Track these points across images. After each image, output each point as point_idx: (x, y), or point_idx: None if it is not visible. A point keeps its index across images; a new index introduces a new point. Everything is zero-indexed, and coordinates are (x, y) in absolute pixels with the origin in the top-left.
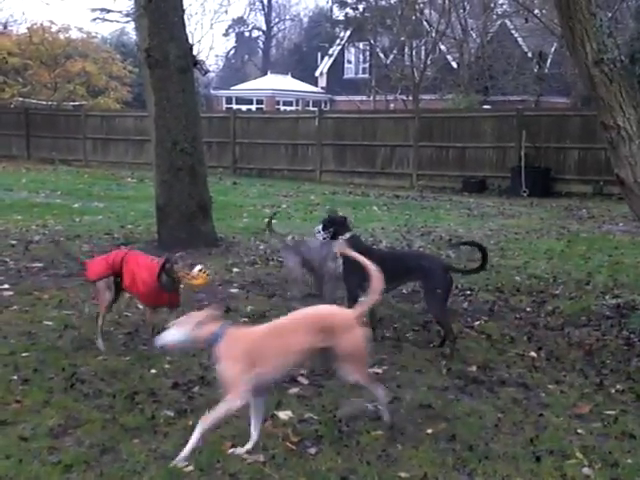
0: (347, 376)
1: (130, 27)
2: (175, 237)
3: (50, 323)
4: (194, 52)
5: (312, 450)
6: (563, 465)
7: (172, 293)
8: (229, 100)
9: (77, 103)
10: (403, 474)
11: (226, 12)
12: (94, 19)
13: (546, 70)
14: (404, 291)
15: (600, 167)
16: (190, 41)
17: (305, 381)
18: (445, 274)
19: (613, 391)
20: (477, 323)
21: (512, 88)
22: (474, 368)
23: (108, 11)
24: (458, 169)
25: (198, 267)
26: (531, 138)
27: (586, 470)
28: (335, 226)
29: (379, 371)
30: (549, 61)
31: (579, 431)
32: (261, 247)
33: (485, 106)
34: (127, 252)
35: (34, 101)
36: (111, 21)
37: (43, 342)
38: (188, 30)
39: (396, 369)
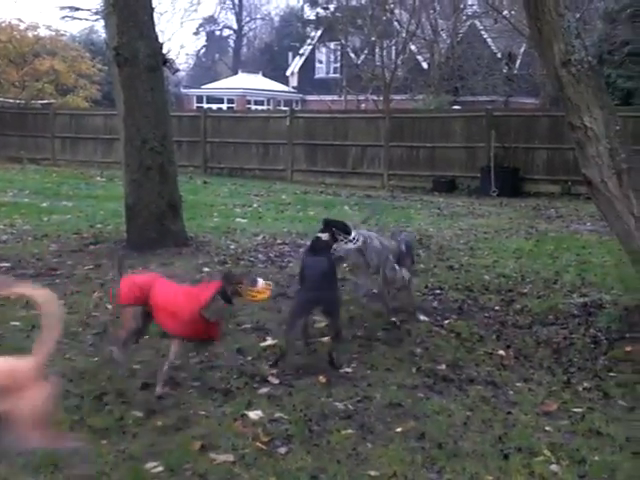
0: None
1: (99, 25)
2: (145, 236)
3: (17, 323)
4: (164, 50)
5: (282, 450)
6: (531, 462)
7: (213, 323)
8: (200, 99)
9: (46, 101)
10: (373, 472)
11: (196, 10)
12: (63, 17)
13: (515, 71)
14: (374, 290)
15: (568, 167)
16: (160, 39)
17: (275, 381)
18: None
19: (580, 389)
20: (447, 322)
21: (482, 89)
22: (443, 366)
23: (77, 9)
24: (428, 169)
25: (261, 281)
26: (500, 138)
27: (554, 467)
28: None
29: (349, 370)
30: (518, 62)
31: (547, 429)
32: (232, 247)
33: (455, 106)
34: (157, 277)
35: (1, 99)
36: (80, 19)
37: (10, 343)
38: (158, 28)
39: (366, 368)
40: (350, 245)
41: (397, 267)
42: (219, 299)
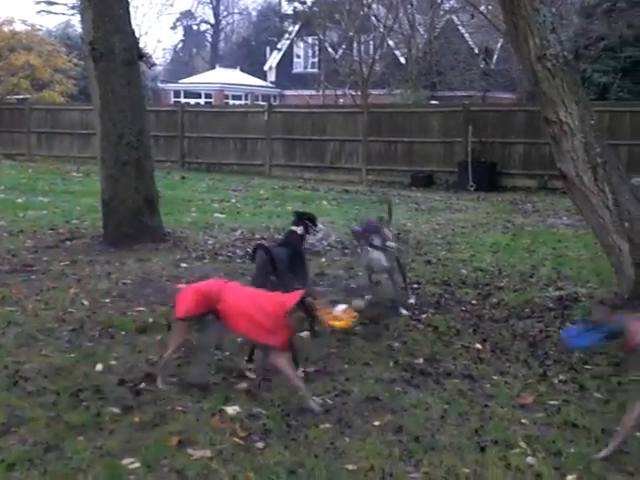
0: None
1: (76, 20)
2: (122, 232)
3: None
4: (140, 45)
5: (260, 444)
6: (507, 455)
7: (292, 335)
8: (177, 94)
9: (21, 96)
10: (350, 466)
11: (172, 5)
12: (39, 11)
13: (492, 66)
14: (352, 285)
15: (545, 162)
16: (136, 34)
17: (253, 376)
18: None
19: (556, 381)
20: (424, 316)
21: (459, 84)
22: (421, 360)
23: (53, 3)
24: (406, 164)
25: (342, 306)
26: (477, 133)
27: (530, 459)
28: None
29: (326, 365)
30: (495, 57)
31: (523, 421)
32: (210, 242)
33: (433, 101)
34: (224, 284)
35: None
36: (56, 13)
37: None
38: (134, 23)
39: (344, 362)
40: (320, 236)
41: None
42: (300, 310)
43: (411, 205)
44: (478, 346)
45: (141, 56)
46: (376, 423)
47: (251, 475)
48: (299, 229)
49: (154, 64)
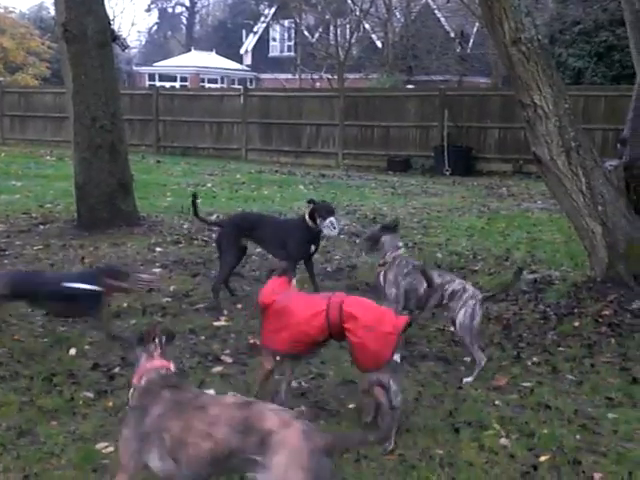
0: None
1: (49, 1)
2: (95, 216)
3: None
4: (114, 27)
5: None
6: (481, 436)
7: None
8: (152, 77)
9: None
10: None
11: None
12: None
13: (468, 50)
14: (329, 269)
15: (520, 146)
16: (110, 16)
17: (229, 360)
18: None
19: (530, 363)
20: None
21: (435, 68)
22: None
23: None
24: (383, 148)
25: None
26: (453, 117)
27: (503, 440)
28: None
29: None
30: (471, 41)
31: (496, 403)
32: (185, 226)
33: (409, 86)
34: (344, 298)
35: None
36: None
37: None
38: (108, 5)
39: None
40: (332, 230)
41: None
42: None
43: (387, 189)
44: (452, 329)
45: (114, 38)
46: (351, 405)
47: None
48: (310, 222)
49: (128, 46)
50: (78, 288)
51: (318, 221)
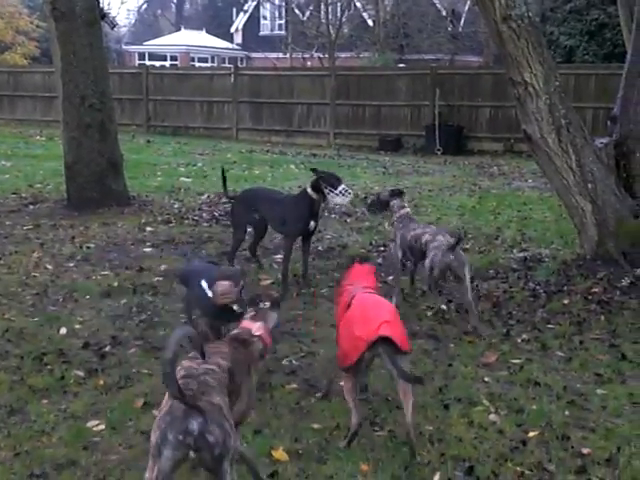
0: None
1: None
2: (85, 196)
3: None
4: (102, 5)
5: None
6: (470, 412)
7: None
8: (142, 56)
9: None
10: (316, 425)
11: None
12: None
13: (460, 29)
14: (320, 248)
15: (511, 125)
16: None
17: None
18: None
19: (519, 340)
20: (390, 278)
21: (427, 47)
22: None
23: None
24: (374, 127)
25: None
26: (445, 96)
27: (492, 417)
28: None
29: (293, 327)
30: (462, 20)
31: (486, 379)
32: (175, 206)
33: (400, 65)
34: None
35: None
36: None
37: None
38: None
39: (311, 324)
40: (345, 198)
41: None
42: None
43: (379, 169)
44: (443, 307)
45: (103, 16)
46: (342, 383)
47: None
48: (314, 194)
49: (117, 25)
50: None
51: (326, 192)
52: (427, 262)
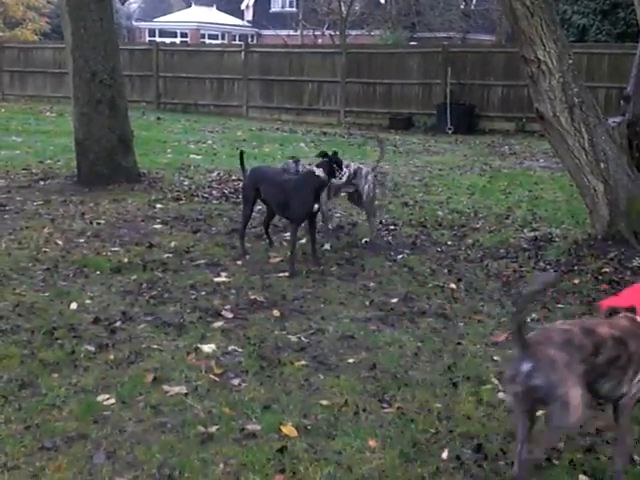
0: None
1: None
2: (96, 172)
3: None
4: None
5: (235, 381)
6: (479, 390)
7: None
8: (152, 33)
9: None
10: (324, 402)
11: None
12: None
13: (472, 7)
14: (329, 226)
15: (523, 104)
16: None
17: (229, 315)
18: None
19: (529, 320)
20: (400, 257)
21: (439, 25)
22: (396, 300)
23: None
24: (385, 106)
25: None
26: (456, 75)
27: (501, 395)
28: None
29: (302, 304)
30: None
31: (495, 358)
32: (185, 183)
33: (412, 43)
34: None
35: None
36: None
37: None
38: None
39: (320, 302)
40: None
41: None
42: None
43: (389, 148)
44: (453, 286)
45: None
46: (350, 360)
47: (226, 410)
48: (319, 171)
49: (127, 0)
50: None
51: (337, 174)
52: (369, 188)
